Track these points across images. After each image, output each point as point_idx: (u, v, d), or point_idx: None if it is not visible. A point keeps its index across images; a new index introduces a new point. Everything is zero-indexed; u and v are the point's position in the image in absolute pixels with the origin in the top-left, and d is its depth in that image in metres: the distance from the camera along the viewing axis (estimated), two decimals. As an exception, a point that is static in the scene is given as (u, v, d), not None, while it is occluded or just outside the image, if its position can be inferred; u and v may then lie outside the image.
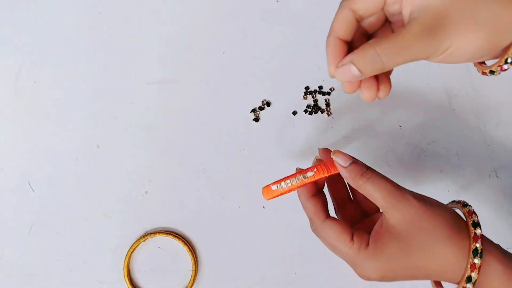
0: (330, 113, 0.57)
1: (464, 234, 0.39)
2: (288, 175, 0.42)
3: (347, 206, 0.44)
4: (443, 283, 0.43)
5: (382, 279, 0.39)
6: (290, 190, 0.42)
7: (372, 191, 0.39)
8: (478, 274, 0.37)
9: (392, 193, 0.38)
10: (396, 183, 0.39)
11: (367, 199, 0.42)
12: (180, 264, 0.56)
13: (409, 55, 0.33)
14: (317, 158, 0.44)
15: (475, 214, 0.40)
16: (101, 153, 0.56)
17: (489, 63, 0.37)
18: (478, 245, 0.38)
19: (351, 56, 0.34)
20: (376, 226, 0.40)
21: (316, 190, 0.42)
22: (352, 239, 0.39)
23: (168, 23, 0.57)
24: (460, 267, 0.38)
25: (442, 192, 0.56)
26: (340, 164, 0.40)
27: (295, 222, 0.56)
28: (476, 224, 0.39)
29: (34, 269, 0.56)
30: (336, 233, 0.40)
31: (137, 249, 0.56)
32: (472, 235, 0.38)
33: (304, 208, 0.42)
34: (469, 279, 0.38)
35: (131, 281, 0.56)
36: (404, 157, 0.56)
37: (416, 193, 0.40)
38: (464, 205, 0.41)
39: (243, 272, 0.56)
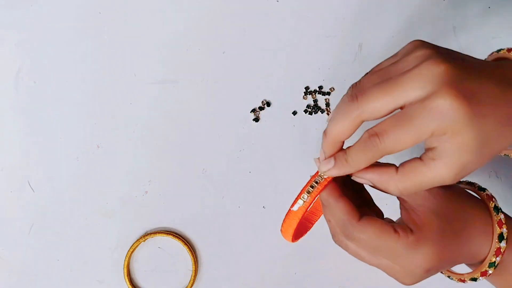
0: (330, 113, 0.57)
1: (486, 216, 0.39)
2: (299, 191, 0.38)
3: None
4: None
5: (430, 266, 0.36)
6: (314, 198, 0.36)
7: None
8: (501, 258, 0.37)
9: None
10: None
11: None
12: (180, 264, 0.56)
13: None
14: None
15: (494, 198, 0.40)
16: (101, 153, 0.56)
17: None
18: (503, 230, 0.38)
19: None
20: (403, 215, 0.38)
21: (342, 189, 0.38)
22: (395, 230, 0.35)
23: (168, 23, 0.57)
24: (486, 249, 0.38)
25: (442, 192, 0.56)
26: None
27: (295, 222, 0.56)
28: (497, 209, 0.39)
29: (34, 269, 0.56)
30: (379, 229, 0.35)
31: (137, 249, 0.56)
32: (497, 220, 0.38)
33: (335, 211, 0.37)
34: (491, 264, 0.38)
35: (131, 281, 0.56)
36: (404, 157, 0.56)
37: None
38: (480, 188, 0.41)
39: (243, 272, 0.56)
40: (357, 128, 0.34)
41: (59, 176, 0.56)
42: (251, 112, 0.57)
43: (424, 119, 0.31)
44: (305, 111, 0.57)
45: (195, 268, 0.56)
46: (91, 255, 0.56)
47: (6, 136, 0.56)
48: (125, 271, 0.56)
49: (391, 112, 0.32)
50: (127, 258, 0.56)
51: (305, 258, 0.56)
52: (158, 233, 0.56)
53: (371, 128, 0.33)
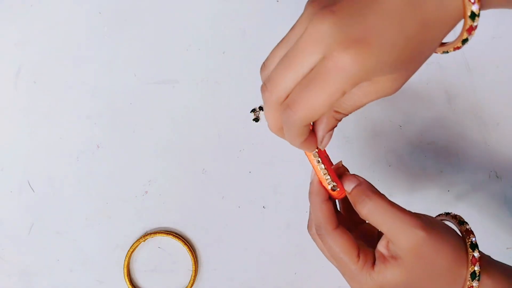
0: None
1: (463, 257, 0.38)
2: (329, 166, 0.39)
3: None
4: None
5: None
6: (313, 168, 0.39)
7: (375, 222, 0.38)
8: None
9: (396, 222, 0.37)
10: (400, 208, 0.38)
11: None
12: (180, 264, 0.56)
13: None
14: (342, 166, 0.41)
15: (472, 233, 0.39)
16: (101, 153, 0.56)
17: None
18: (476, 268, 0.37)
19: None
20: (380, 247, 0.39)
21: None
22: (358, 255, 0.38)
23: (168, 23, 0.57)
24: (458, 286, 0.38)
25: (442, 192, 0.56)
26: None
27: (295, 222, 0.56)
28: (474, 246, 0.38)
29: (34, 269, 0.56)
30: (345, 246, 0.38)
31: (137, 249, 0.56)
32: (470, 258, 0.38)
33: (317, 210, 0.39)
34: None
35: (131, 281, 0.56)
36: (404, 157, 0.56)
37: (422, 217, 0.38)
38: (461, 222, 0.40)
39: (243, 272, 0.56)
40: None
41: (59, 176, 0.56)
42: (251, 112, 0.57)
43: (331, 80, 0.30)
44: (305, 111, 0.56)
45: (195, 268, 0.56)
46: (91, 255, 0.56)
47: (6, 136, 0.56)
48: (125, 271, 0.56)
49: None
50: (127, 258, 0.56)
51: (305, 258, 0.56)
52: (158, 233, 0.56)
53: (285, 103, 0.32)
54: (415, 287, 0.38)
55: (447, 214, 0.42)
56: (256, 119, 0.57)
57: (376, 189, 0.38)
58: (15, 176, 0.56)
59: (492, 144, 0.56)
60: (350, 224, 0.42)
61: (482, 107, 0.56)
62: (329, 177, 0.38)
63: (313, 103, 0.31)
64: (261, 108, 0.57)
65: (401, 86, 0.32)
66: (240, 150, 0.57)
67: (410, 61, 0.31)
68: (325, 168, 0.38)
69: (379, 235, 0.42)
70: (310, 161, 0.39)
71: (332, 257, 0.39)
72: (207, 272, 0.56)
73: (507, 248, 0.56)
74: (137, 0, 0.57)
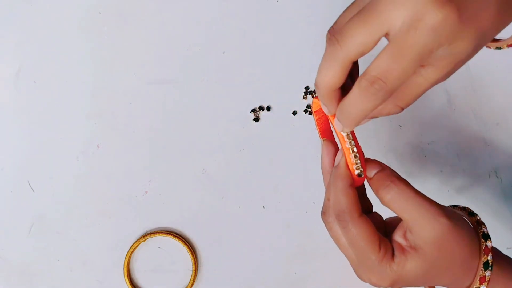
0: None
1: (476, 247, 0.38)
2: (357, 147, 0.37)
3: None
4: None
5: (391, 285, 0.38)
6: (344, 151, 0.37)
7: (397, 208, 0.36)
8: (487, 286, 0.37)
9: (420, 210, 0.36)
10: (424, 196, 0.37)
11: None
12: (180, 264, 0.56)
13: None
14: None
15: (483, 224, 0.39)
16: (101, 153, 0.56)
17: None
18: (489, 258, 0.37)
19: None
20: (397, 237, 0.38)
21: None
22: (380, 245, 0.37)
23: (168, 23, 0.57)
24: (468, 278, 0.38)
25: (442, 192, 0.56)
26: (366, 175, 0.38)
27: (295, 222, 0.56)
28: (486, 236, 0.38)
29: (34, 269, 0.56)
30: (369, 235, 0.36)
31: (137, 249, 0.56)
32: (483, 248, 0.37)
33: (341, 195, 0.37)
34: None
35: (131, 281, 0.56)
36: (404, 157, 0.56)
37: (444, 207, 0.37)
38: (470, 213, 0.40)
39: (243, 272, 0.56)
40: (348, 71, 0.32)
41: (59, 176, 0.56)
42: (251, 112, 0.57)
43: (421, 41, 0.28)
44: (305, 111, 0.57)
45: (195, 268, 0.56)
46: (91, 255, 0.56)
47: (6, 136, 0.56)
48: (125, 271, 0.56)
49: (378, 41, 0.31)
50: (127, 258, 0.56)
51: (305, 258, 0.56)
52: (158, 233, 0.56)
53: (368, 75, 0.31)
54: (433, 277, 0.38)
55: (454, 206, 0.42)
56: (256, 119, 0.57)
57: (400, 175, 0.38)
58: (15, 176, 0.56)
59: (492, 144, 0.56)
60: None
61: (482, 107, 0.56)
62: (359, 161, 0.37)
63: (400, 73, 0.30)
64: (261, 108, 0.57)
65: (447, 77, 0.31)
66: (240, 150, 0.57)
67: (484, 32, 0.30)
68: (357, 152, 0.37)
69: (386, 226, 0.41)
70: (341, 143, 0.37)
71: (352, 246, 0.37)
72: (207, 272, 0.56)
73: (507, 248, 0.56)
74: (137, 0, 0.57)
